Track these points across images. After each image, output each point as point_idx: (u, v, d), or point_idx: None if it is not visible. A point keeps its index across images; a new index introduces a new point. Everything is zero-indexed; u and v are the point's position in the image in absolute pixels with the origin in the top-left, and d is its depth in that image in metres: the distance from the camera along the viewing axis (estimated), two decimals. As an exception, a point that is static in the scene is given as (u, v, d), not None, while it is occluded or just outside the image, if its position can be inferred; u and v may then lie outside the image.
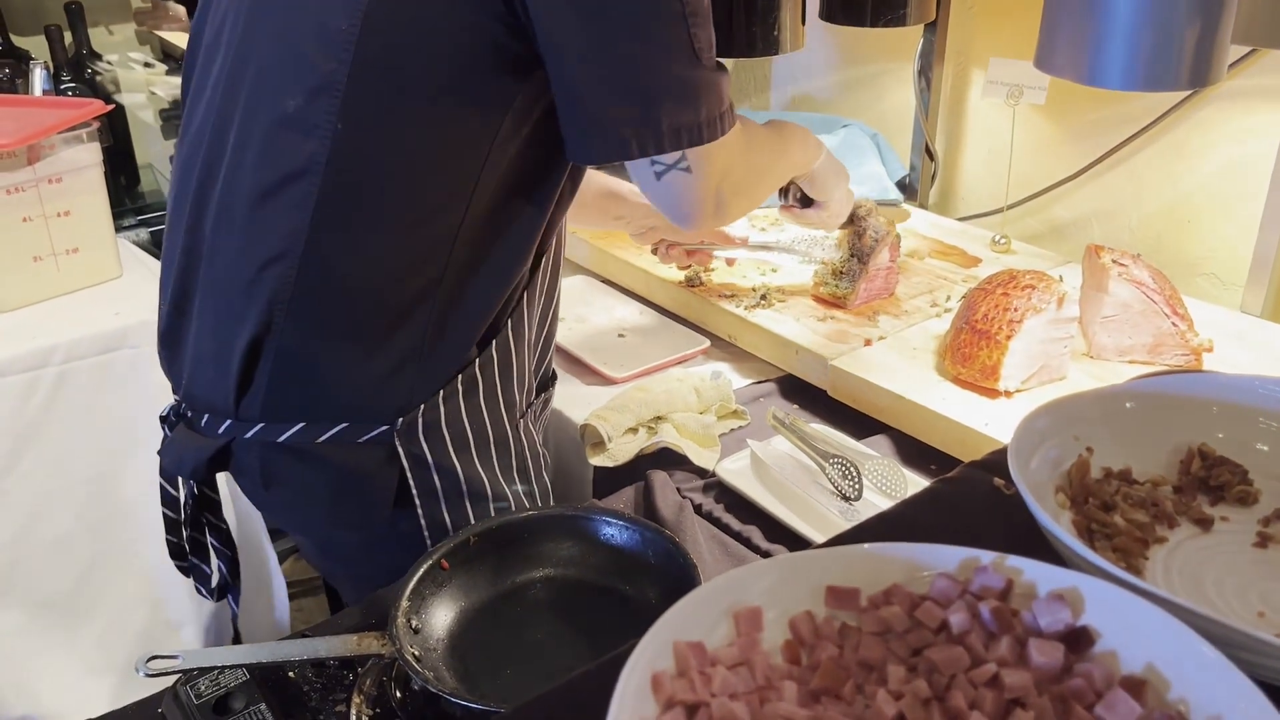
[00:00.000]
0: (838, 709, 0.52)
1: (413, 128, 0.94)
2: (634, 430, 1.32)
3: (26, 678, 1.51)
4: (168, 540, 1.17)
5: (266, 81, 0.97)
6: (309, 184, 0.95)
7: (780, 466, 1.24)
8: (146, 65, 2.29)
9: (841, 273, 1.50)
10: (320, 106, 0.93)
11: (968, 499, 0.76)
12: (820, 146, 1.33)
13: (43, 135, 1.47)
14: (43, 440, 1.48)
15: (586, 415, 1.31)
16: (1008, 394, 1.28)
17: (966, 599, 0.57)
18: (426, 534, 1.07)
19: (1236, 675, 0.49)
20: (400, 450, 1.03)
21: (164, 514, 1.15)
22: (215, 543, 1.18)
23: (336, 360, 1.00)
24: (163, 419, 1.13)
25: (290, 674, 0.95)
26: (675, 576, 0.93)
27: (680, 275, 1.60)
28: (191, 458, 1.06)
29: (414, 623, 0.90)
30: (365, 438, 1.02)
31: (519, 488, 1.13)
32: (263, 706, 0.92)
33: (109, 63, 2.22)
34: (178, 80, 2.16)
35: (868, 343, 1.41)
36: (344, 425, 1.01)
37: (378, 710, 0.90)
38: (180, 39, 2.29)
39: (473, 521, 1.07)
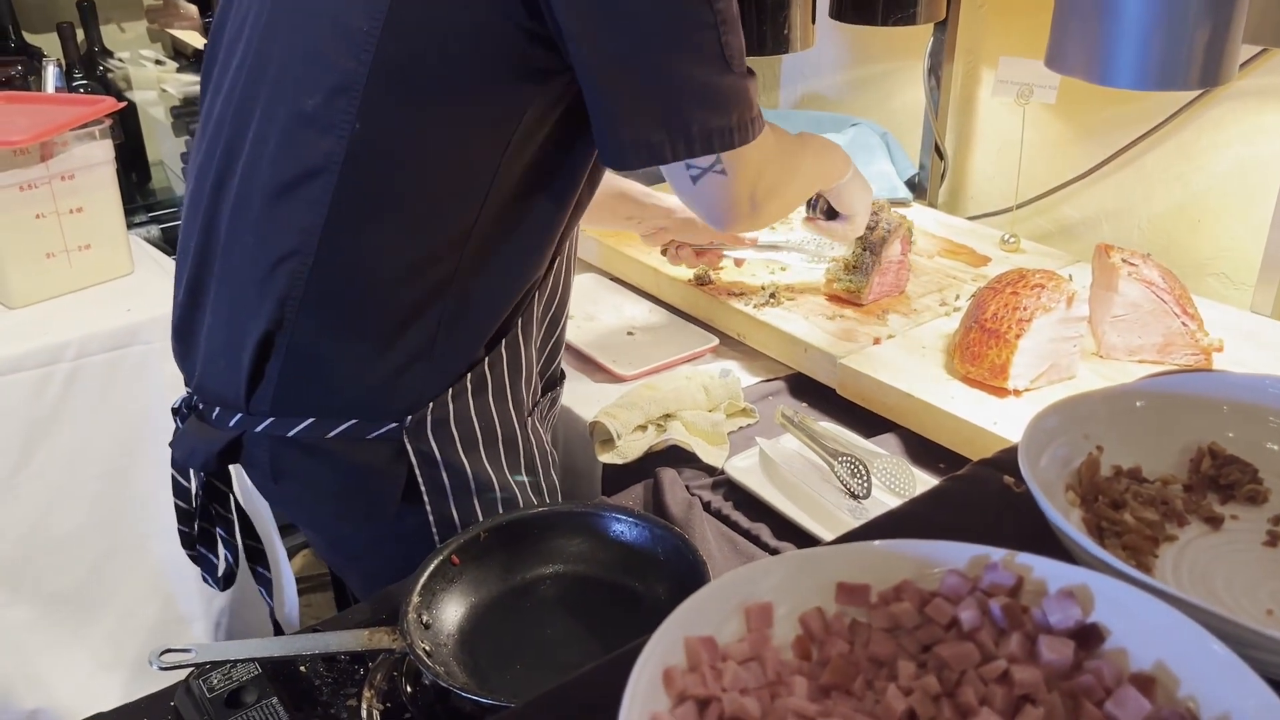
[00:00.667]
0: (848, 704, 0.52)
1: (430, 129, 0.95)
2: (643, 428, 1.32)
3: (39, 672, 1.52)
4: (180, 530, 1.18)
5: (286, 79, 0.97)
6: (325, 182, 0.95)
7: (789, 464, 1.24)
8: (158, 63, 2.29)
9: (854, 267, 1.50)
10: (339, 106, 0.94)
11: (978, 497, 0.76)
12: (849, 162, 1.35)
13: (55, 132, 1.47)
14: (55, 436, 1.49)
15: (596, 413, 1.32)
16: (1017, 393, 1.28)
17: (977, 595, 0.57)
18: (434, 530, 1.07)
19: (1246, 673, 0.49)
20: (409, 447, 1.03)
21: (176, 504, 1.16)
22: (223, 534, 1.19)
23: (347, 357, 1.01)
24: (175, 411, 1.14)
25: (302, 668, 0.96)
26: (684, 573, 0.93)
27: (690, 274, 1.60)
28: (203, 449, 1.06)
29: (425, 618, 0.91)
30: (374, 434, 1.02)
31: (524, 478, 1.13)
32: (274, 700, 0.92)
33: (121, 60, 2.23)
34: (189, 78, 2.18)
35: (877, 341, 1.41)
36: (353, 421, 1.02)
37: (388, 705, 0.90)
38: (191, 37, 2.30)
39: (480, 519, 1.07)
